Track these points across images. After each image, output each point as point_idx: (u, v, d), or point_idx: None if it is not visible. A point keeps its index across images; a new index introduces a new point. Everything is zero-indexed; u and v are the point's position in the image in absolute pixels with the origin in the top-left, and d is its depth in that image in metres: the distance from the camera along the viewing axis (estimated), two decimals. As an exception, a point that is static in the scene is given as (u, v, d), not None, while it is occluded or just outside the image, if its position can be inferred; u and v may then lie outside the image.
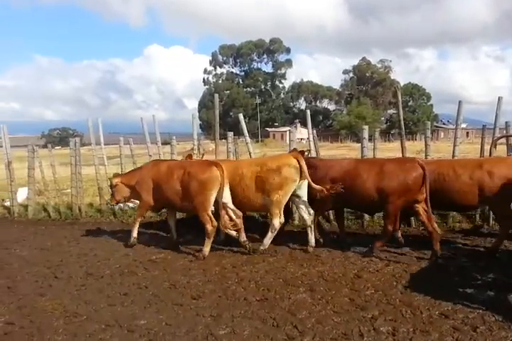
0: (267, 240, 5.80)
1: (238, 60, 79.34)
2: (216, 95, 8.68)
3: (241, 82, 79.95)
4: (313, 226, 5.82)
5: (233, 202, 5.72)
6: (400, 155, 7.20)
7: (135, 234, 6.29)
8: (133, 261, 5.67)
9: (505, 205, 5.43)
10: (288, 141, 8.33)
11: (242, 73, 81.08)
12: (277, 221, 5.69)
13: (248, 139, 8.05)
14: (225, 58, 78.98)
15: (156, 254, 5.92)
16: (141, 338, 3.51)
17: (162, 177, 5.92)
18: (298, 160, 5.58)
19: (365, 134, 7.24)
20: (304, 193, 5.82)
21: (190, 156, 7.18)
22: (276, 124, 78.10)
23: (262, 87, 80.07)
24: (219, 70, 79.34)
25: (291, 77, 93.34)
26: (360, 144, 7.54)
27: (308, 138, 7.96)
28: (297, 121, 70.87)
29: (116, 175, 6.44)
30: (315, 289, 4.43)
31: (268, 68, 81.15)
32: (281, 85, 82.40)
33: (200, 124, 61.63)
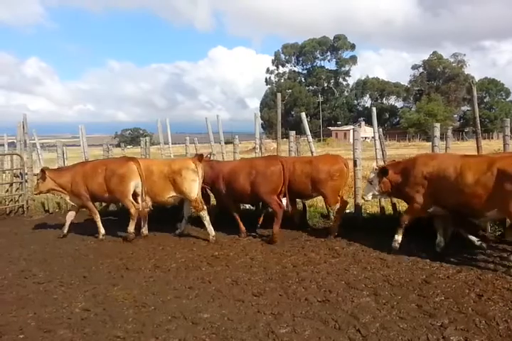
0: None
1: (301, 59, 78.93)
2: (279, 94, 8.70)
3: (303, 80, 79.48)
4: (208, 218, 6.66)
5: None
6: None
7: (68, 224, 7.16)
8: (197, 256, 5.86)
9: None
10: (351, 140, 8.12)
11: (305, 71, 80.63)
12: (203, 212, 6.72)
13: (310, 138, 7.97)
14: (287, 57, 79.01)
15: (219, 250, 6.07)
16: (205, 331, 3.61)
17: (88, 174, 6.91)
18: (195, 164, 6.65)
19: (437, 132, 6.84)
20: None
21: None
22: (339, 123, 76.58)
23: (325, 85, 78.98)
24: (281, 69, 79.62)
25: (356, 74, 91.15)
26: (430, 143, 7.14)
27: (373, 137, 7.70)
28: (361, 119, 69.05)
29: (46, 169, 7.22)
30: (379, 293, 4.28)
31: (331, 66, 79.95)
32: (344, 83, 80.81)
33: (261, 124, 62.20)
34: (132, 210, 6.70)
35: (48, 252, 6.32)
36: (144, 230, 7.06)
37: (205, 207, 6.75)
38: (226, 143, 9.63)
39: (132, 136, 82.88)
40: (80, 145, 10.78)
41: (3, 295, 4.57)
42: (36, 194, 7.67)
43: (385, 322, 3.64)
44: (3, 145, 12.07)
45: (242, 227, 6.89)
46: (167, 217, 7.73)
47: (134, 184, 6.72)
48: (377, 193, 6.04)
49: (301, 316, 3.83)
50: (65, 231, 7.20)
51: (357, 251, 5.82)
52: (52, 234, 7.41)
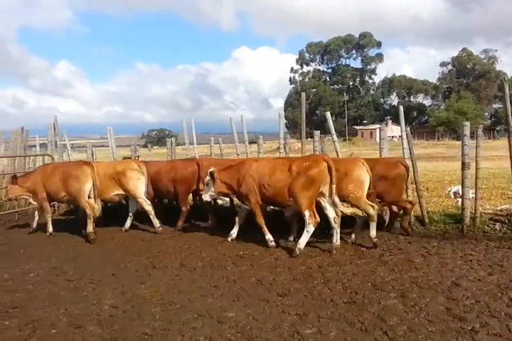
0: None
1: (325, 57, 78.20)
2: (303, 94, 8.65)
3: (328, 79, 78.72)
4: (153, 213, 7.45)
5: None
6: (508, 154, 6.52)
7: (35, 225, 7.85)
8: (222, 255, 5.90)
9: None
10: (378, 139, 7.98)
11: (330, 70, 79.81)
12: (148, 207, 7.47)
13: (335, 138, 7.89)
14: (311, 56, 78.41)
15: (244, 250, 6.09)
16: (230, 330, 3.63)
17: (48, 177, 7.40)
18: (139, 164, 7.61)
19: (467, 131, 6.65)
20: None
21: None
22: (365, 122, 75.43)
23: (350, 83, 77.96)
24: (305, 68, 79.08)
25: (382, 72, 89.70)
26: (460, 142, 6.95)
27: (400, 136, 7.54)
28: (388, 118, 67.78)
29: (13, 177, 7.79)
30: (407, 295, 4.19)
31: (357, 64, 78.83)
32: (370, 81, 79.51)
33: (285, 123, 62.06)
34: (88, 210, 7.09)
35: (77, 250, 6.51)
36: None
37: (149, 203, 7.50)
38: (250, 143, 9.65)
39: (158, 137, 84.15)
40: (108, 146, 11.06)
41: (35, 292, 4.73)
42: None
43: (413, 325, 3.57)
44: (35, 146, 12.48)
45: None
46: (197, 216, 7.86)
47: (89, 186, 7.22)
48: (213, 194, 6.61)
49: (326, 317, 3.80)
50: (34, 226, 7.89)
51: (384, 252, 5.72)
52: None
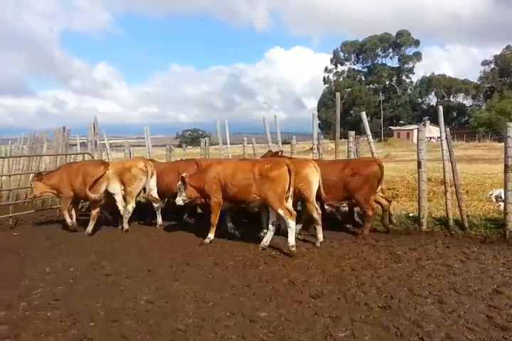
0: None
1: (361, 56, 76.81)
2: (338, 93, 8.54)
3: (363, 78, 77.24)
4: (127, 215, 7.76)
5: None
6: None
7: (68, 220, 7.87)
8: (254, 255, 5.92)
9: None
10: (415, 140, 7.77)
11: (365, 69, 78.29)
12: (130, 206, 7.79)
13: (370, 138, 7.74)
14: (346, 55, 77.22)
15: (275, 250, 6.08)
16: (262, 329, 3.64)
17: (72, 175, 7.69)
18: (145, 163, 7.84)
19: (510, 132, 6.35)
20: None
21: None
22: (402, 122, 73.42)
23: (387, 83, 76.15)
24: (340, 68, 77.93)
25: (420, 71, 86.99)
26: (502, 144, 6.65)
27: (439, 137, 7.30)
28: (426, 118, 65.82)
29: (38, 174, 8.11)
30: (445, 301, 4.06)
31: (394, 63, 76.91)
32: (408, 80, 77.30)
33: (318, 124, 61.35)
34: (95, 212, 7.58)
35: (115, 246, 6.71)
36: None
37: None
38: (283, 143, 9.63)
39: (192, 137, 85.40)
40: (144, 146, 11.35)
41: (75, 285, 4.92)
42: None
43: (451, 332, 3.45)
44: (75, 145, 12.99)
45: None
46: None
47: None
48: (185, 198, 6.84)
49: (360, 321, 3.73)
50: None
51: (420, 256, 5.57)
52: (118, 230, 7.87)
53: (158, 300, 4.35)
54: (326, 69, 78.15)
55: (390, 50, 75.63)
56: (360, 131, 10.45)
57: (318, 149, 8.30)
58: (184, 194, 6.79)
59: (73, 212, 8.16)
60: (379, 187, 6.94)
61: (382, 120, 68.22)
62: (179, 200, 6.89)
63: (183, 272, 5.28)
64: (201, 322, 3.81)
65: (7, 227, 8.48)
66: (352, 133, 7.77)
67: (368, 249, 5.99)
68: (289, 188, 6.00)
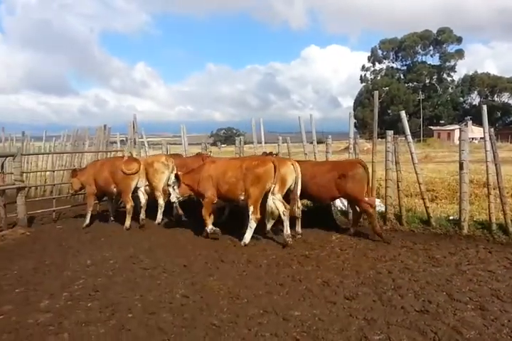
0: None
1: (400, 54, 74.78)
2: (376, 92, 8.35)
3: (402, 77, 75.19)
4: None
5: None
6: None
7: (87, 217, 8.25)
8: (287, 254, 5.91)
9: None
10: (456, 141, 7.49)
11: (404, 68, 76.16)
12: (161, 200, 8.12)
13: (410, 138, 7.53)
14: (385, 53, 75.40)
15: (309, 250, 6.05)
16: (295, 328, 3.63)
17: (98, 172, 8.09)
18: (166, 158, 8.28)
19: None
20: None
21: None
22: (442, 122, 70.93)
23: (427, 81, 73.75)
24: (378, 66, 76.19)
25: (462, 69, 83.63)
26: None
27: (482, 138, 7.00)
28: (468, 118, 63.30)
29: (73, 171, 8.54)
30: (487, 308, 3.90)
31: (434, 61, 74.36)
32: (449, 79, 74.50)
33: (354, 123, 60.32)
34: (128, 206, 7.89)
35: (152, 241, 6.89)
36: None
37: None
38: (318, 142, 9.51)
39: (226, 135, 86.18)
40: (180, 144, 11.56)
41: (114, 278, 5.10)
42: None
43: (493, 341, 3.31)
44: (116, 142, 13.41)
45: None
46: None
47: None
48: (178, 196, 7.10)
49: (396, 324, 3.65)
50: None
51: (461, 261, 5.37)
52: (155, 225, 8.07)
53: (193, 295, 4.44)
54: (363, 67, 76.68)
55: (431, 48, 73.17)
56: (397, 131, 10.15)
57: (354, 149, 8.15)
58: (177, 191, 7.06)
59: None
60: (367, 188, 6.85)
61: (421, 119, 66.12)
62: (173, 197, 7.16)
63: (218, 268, 5.35)
64: (235, 318, 3.85)
65: (51, 220, 8.90)
66: (390, 132, 7.58)
67: (405, 252, 5.84)
68: (272, 185, 6.33)
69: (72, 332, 3.69)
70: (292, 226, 6.69)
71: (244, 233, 6.50)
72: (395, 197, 7.43)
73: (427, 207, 7.13)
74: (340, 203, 8.21)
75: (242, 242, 6.40)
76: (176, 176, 7.03)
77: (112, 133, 12.48)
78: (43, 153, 13.46)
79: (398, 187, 7.35)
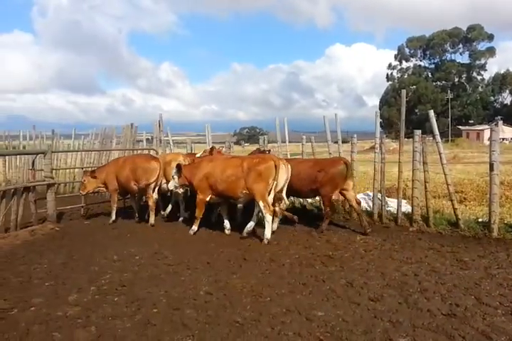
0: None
1: (428, 52, 73.18)
2: (403, 91, 8.19)
3: (430, 75, 73.56)
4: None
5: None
6: None
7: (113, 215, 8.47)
8: (310, 254, 5.88)
9: None
10: (486, 141, 7.27)
11: (432, 66, 74.58)
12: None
13: (438, 138, 7.35)
14: (412, 51, 73.96)
15: (333, 251, 6.00)
16: (319, 328, 3.61)
17: (120, 169, 8.27)
18: (183, 157, 8.45)
19: None
20: None
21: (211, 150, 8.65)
22: (471, 122, 68.95)
23: (456, 80, 71.91)
24: (405, 64, 74.86)
25: (493, 67, 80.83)
26: None
27: (515, 138, 6.77)
28: (498, 118, 61.29)
29: (92, 171, 8.50)
30: (518, 314, 3.77)
31: (464, 59, 72.40)
32: (479, 77, 72.46)
33: (380, 122, 59.33)
34: (151, 202, 8.12)
35: (176, 238, 6.99)
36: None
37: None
38: (342, 142, 9.41)
39: (249, 135, 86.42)
40: (203, 143, 11.66)
41: (140, 273, 5.19)
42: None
43: (526, 348, 3.20)
44: (142, 141, 13.65)
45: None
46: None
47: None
48: (176, 185, 7.39)
49: (422, 327, 3.58)
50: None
51: (490, 264, 5.21)
52: (179, 222, 8.18)
53: (216, 292, 4.47)
54: (389, 65, 75.48)
55: (460, 46, 71.34)
56: (424, 131, 9.93)
57: (381, 148, 8.01)
58: (176, 180, 7.35)
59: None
60: (351, 185, 7.39)
61: (449, 119, 64.48)
62: (171, 185, 7.46)
63: (240, 266, 5.37)
64: (258, 317, 3.86)
65: (79, 216, 9.14)
66: (418, 132, 7.43)
67: (432, 254, 5.71)
68: (273, 182, 6.52)
69: (99, 326, 3.78)
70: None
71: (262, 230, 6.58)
72: (422, 198, 7.27)
73: (455, 209, 6.95)
74: (365, 203, 8.11)
75: (265, 239, 6.44)
76: (179, 166, 7.28)
77: (138, 131, 12.71)
78: (72, 151, 13.86)
79: (426, 188, 7.19)
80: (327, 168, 7.16)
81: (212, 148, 8.79)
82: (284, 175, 6.72)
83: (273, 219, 6.69)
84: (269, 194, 6.56)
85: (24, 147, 14.78)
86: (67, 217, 9.03)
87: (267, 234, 6.47)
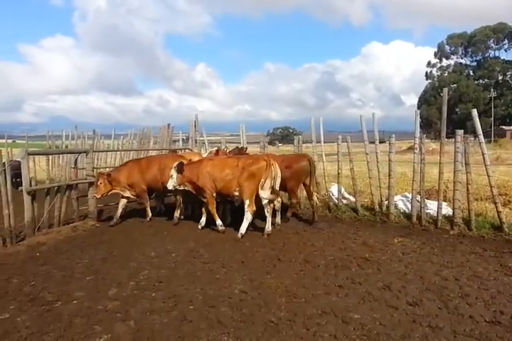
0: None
1: (469, 49, 70.29)
2: (445, 89, 7.92)
3: (471, 73, 70.64)
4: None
5: None
6: None
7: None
8: (346, 255, 5.79)
9: None
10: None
11: (474, 63, 71.52)
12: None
13: (482, 138, 7.05)
14: (453, 48, 71.27)
15: (369, 253, 5.88)
16: (355, 331, 3.55)
17: (146, 170, 8.41)
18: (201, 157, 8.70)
19: None
20: None
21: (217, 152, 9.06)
22: (516, 122, 65.68)
23: (499, 77, 68.66)
24: (445, 62, 72.22)
25: (541, 64, 76.55)
26: None
27: None
28: (546, 117, 58.09)
29: (100, 173, 8.28)
30: None
31: (509, 56, 69.28)
32: (525, 75, 68.79)
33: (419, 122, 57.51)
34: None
35: (211, 236, 7.07)
36: None
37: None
38: (379, 142, 9.21)
39: (282, 135, 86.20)
40: (237, 143, 11.76)
41: (176, 270, 5.30)
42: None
43: None
44: (178, 140, 13.94)
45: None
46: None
47: None
48: (175, 184, 7.46)
49: (464, 334, 3.45)
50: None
51: (539, 271, 4.94)
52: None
53: (251, 291, 4.49)
54: (428, 63, 73.05)
55: (505, 42, 68.05)
56: (466, 130, 9.56)
57: (420, 149, 7.77)
58: (175, 180, 7.45)
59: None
60: (313, 181, 7.98)
61: (492, 119, 61.71)
62: (170, 185, 7.54)
63: (275, 266, 5.37)
64: (293, 317, 3.84)
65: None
66: (460, 131, 7.16)
67: (474, 259, 5.49)
68: (265, 181, 6.82)
69: (138, 320, 3.88)
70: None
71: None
72: (464, 200, 7.01)
73: (499, 212, 6.65)
74: (403, 205, 7.91)
75: (239, 234, 6.86)
76: (179, 165, 7.38)
77: (175, 131, 12.98)
78: (112, 150, 14.33)
79: (468, 190, 6.91)
80: (292, 164, 7.75)
81: (217, 150, 9.19)
82: (277, 174, 7.03)
83: (274, 214, 7.42)
84: (264, 190, 6.87)
85: (66, 146, 15.41)
86: (107, 214, 9.31)
87: (242, 230, 6.89)
